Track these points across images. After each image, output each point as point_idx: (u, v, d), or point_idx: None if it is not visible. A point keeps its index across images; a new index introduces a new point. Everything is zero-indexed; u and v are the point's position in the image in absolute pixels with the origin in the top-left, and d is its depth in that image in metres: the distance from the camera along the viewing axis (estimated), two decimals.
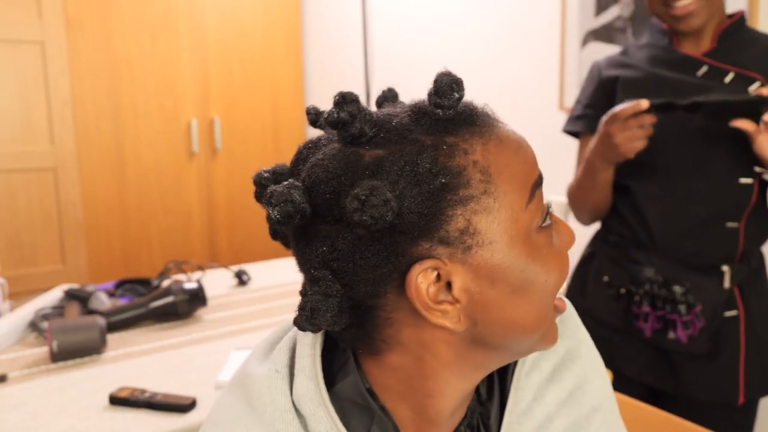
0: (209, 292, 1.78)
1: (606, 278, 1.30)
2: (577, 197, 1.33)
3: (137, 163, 3.06)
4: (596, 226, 1.41)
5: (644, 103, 1.10)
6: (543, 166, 2.25)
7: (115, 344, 1.39)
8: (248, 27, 3.28)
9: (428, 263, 0.46)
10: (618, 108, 1.14)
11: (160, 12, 3.04)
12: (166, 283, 1.71)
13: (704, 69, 1.18)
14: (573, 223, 2.09)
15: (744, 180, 1.15)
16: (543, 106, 2.25)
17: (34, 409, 1.09)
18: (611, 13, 1.99)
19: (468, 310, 0.48)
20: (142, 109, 3.04)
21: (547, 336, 0.53)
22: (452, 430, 0.56)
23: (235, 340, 1.40)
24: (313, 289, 0.47)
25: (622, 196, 1.28)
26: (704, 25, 1.17)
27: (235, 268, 1.99)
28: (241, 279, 1.87)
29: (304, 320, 0.47)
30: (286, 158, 3.41)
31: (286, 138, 3.46)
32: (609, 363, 1.29)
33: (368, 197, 0.43)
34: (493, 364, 0.53)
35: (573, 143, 2.16)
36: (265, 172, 0.52)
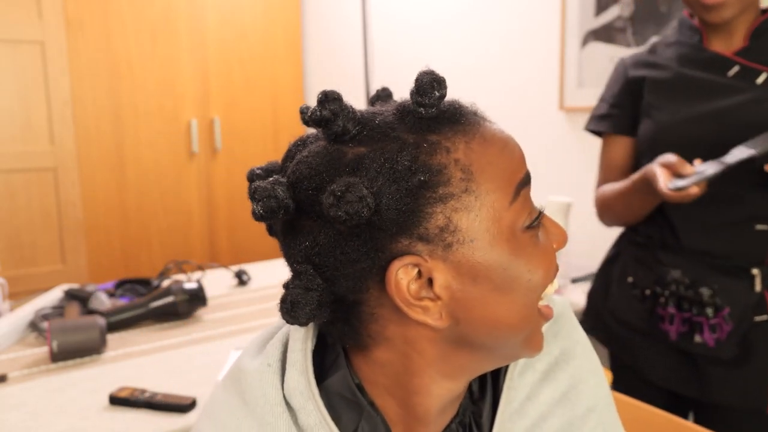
0: (209, 292, 1.78)
1: (631, 279, 1.26)
2: (612, 210, 1.28)
3: (137, 163, 3.06)
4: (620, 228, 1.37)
5: (695, 191, 1.04)
6: (543, 165, 2.25)
7: (115, 344, 1.39)
8: (248, 27, 3.28)
9: (408, 259, 0.46)
10: (669, 185, 1.06)
11: (160, 12, 3.04)
12: (166, 283, 1.71)
13: (735, 69, 1.13)
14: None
15: None
16: (543, 106, 2.25)
17: (34, 409, 1.09)
18: (611, 13, 1.99)
19: (450, 307, 0.48)
20: (142, 109, 3.04)
21: (532, 342, 0.52)
22: (443, 427, 0.56)
23: (235, 340, 1.40)
24: (294, 283, 0.48)
25: None
26: (736, 17, 1.12)
27: (235, 268, 1.99)
28: (241, 279, 1.87)
29: (285, 312, 0.48)
30: None
31: (286, 138, 3.46)
32: (631, 366, 1.26)
33: (344, 193, 0.44)
34: (479, 367, 0.53)
35: (573, 143, 2.16)
36: (257, 169, 0.53)
